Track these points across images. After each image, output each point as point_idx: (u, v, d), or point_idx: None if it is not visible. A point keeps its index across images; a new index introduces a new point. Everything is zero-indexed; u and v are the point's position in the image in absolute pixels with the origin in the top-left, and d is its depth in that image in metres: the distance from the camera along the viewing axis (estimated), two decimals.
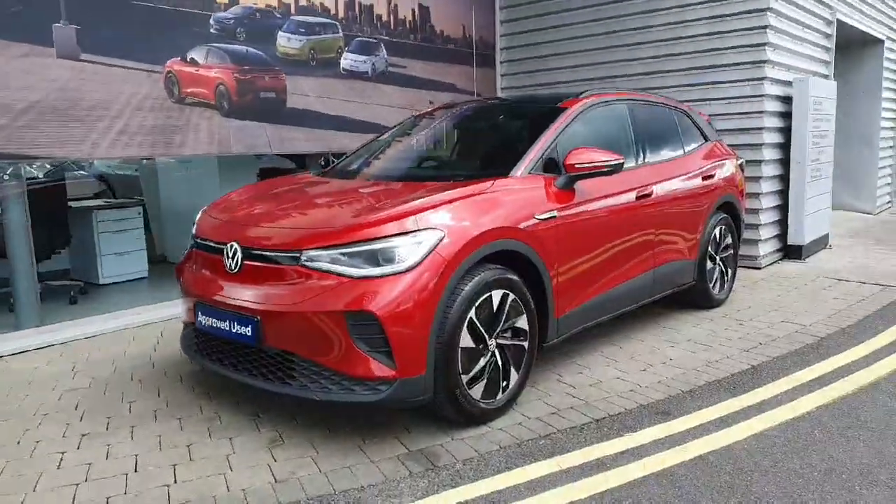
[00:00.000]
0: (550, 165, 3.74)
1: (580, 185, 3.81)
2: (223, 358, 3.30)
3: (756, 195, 6.57)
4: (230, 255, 3.20)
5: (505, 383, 3.33)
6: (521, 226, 3.33)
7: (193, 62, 5.47)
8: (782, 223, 7.08)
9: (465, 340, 3.08)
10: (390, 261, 2.90)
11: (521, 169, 3.60)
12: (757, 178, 6.54)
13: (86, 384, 3.92)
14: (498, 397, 3.30)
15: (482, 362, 3.18)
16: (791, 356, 4.15)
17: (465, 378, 3.10)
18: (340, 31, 6.52)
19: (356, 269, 2.89)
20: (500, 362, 3.28)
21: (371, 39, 6.78)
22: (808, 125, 6.77)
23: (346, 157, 4.60)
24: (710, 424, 3.23)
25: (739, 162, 5.67)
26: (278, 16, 6.02)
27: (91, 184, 8.81)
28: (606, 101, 4.40)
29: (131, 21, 5.09)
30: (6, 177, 4.69)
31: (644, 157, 4.50)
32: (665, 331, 4.72)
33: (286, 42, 6.08)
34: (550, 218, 3.52)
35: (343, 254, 2.91)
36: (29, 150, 4.65)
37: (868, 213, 10.29)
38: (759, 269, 6.63)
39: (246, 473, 2.83)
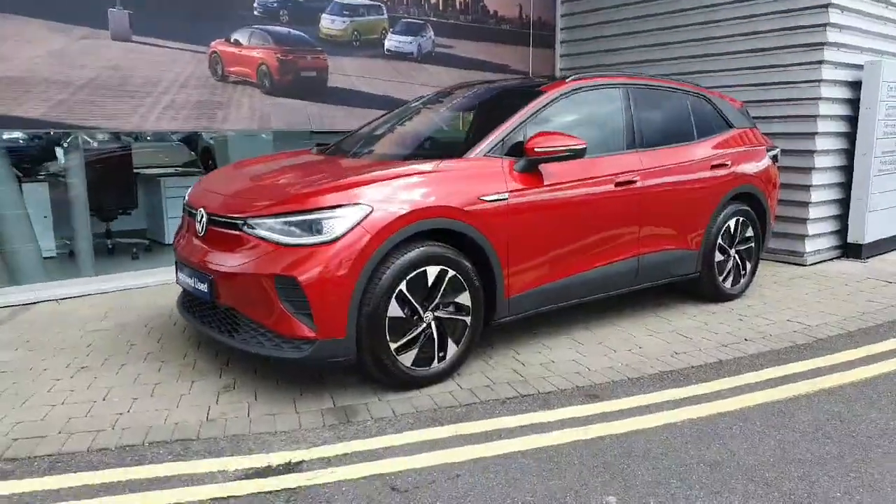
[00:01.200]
0: (517, 149, 3.86)
1: (549, 169, 3.92)
2: (194, 311, 3.77)
3: (805, 188, 6.24)
4: (199, 219, 3.64)
5: (441, 354, 3.55)
6: (463, 206, 3.51)
7: (237, 43, 5.99)
8: (842, 219, 6.66)
9: (394, 310, 3.33)
10: (318, 232, 3.20)
11: (476, 151, 3.76)
12: (807, 170, 6.21)
13: (108, 327, 4.54)
14: (432, 366, 3.53)
15: (414, 332, 3.42)
16: (768, 355, 4.05)
17: (393, 345, 3.35)
18: (385, 12, 6.83)
19: (287, 238, 3.22)
20: (435, 334, 3.50)
21: (417, 21, 7.04)
22: (876, 113, 6.31)
23: (347, 136, 4.92)
24: (631, 411, 3.30)
25: (774, 152, 5.44)
26: None
27: (182, 153, 9.73)
28: (596, 86, 4.42)
29: (179, 5, 5.66)
30: (66, 145, 5.42)
31: (638, 144, 4.48)
32: (655, 320, 4.71)
33: (329, 24, 6.47)
34: (500, 200, 3.66)
35: (277, 223, 3.25)
36: (84, 121, 5.35)
37: None
38: (804, 265, 6.32)
39: (187, 411, 3.27)
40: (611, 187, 4.21)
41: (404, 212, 3.31)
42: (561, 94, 4.20)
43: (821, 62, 6.03)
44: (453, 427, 3.10)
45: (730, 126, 5.20)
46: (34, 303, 5.06)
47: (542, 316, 4.28)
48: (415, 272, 3.37)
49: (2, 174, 5.35)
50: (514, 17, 7.80)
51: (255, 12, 6.07)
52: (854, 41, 6.33)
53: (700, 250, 4.86)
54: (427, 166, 3.60)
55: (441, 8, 7.21)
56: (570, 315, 4.70)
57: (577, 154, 3.84)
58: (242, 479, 2.67)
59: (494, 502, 2.52)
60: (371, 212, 3.24)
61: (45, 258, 5.93)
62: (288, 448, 2.91)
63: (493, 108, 4.33)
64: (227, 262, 3.38)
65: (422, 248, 3.39)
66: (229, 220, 3.42)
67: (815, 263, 6.42)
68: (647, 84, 4.76)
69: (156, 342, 4.25)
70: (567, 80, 4.34)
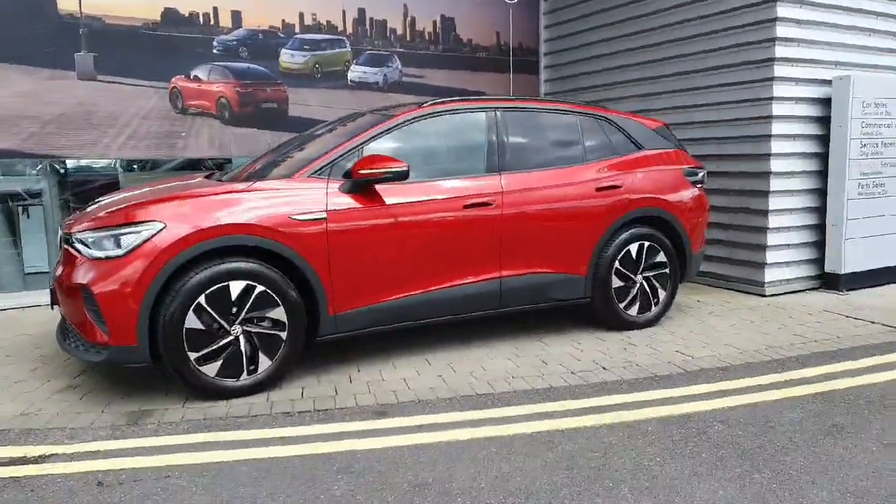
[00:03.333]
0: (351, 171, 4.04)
1: (389, 191, 4.07)
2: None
3: (761, 213, 5.90)
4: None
5: (252, 367, 3.77)
6: (268, 224, 3.74)
7: (196, 78, 6.58)
8: (822, 246, 6.22)
9: (193, 322, 3.60)
10: (117, 246, 3.55)
11: (301, 173, 4.00)
12: (762, 193, 5.88)
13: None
14: (241, 378, 3.76)
15: (218, 344, 3.67)
16: (610, 385, 3.93)
17: (193, 355, 3.62)
18: (348, 45, 7.21)
19: (94, 251, 3.59)
20: (243, 347, 3.73)
21: (383, 52, 7.37)
22: (847, 132, 5.89)
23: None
24: (400, 429, 3.36)
25: (697, 174, 5.24)
26: (282, 35, 6.90)
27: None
28: (455, 110, 4.52)
29: (141, 47, 6.33)
30: (35, 172, 6.19)
31: (502, 167, 4.51)
32: (533, 345, 4.67)
33: (289, 58, 6.94)
34: (317, 219, 3.86)
35: (89, 238, 3.62)
36: (53, 151, 6.09)
37: None
38: (762, 296, 5.94)
39: (10, 404, 3.69)
40: (458, 208, 4.28)
41: (196, 229, 3.59)
42: (411, 119, 4.35)
43: (771, 79, 5.73)
44: (213, 434, 3.31)
45: (638, 147, 5.08)
46: None
47: (416, 336, 4.50)
48: (215, 286, 3.63)
49: None
50: (491, 44, 7.95)
51: (215, 50, 6.64)
52: (823, 55, 5.97)
53: (588, 275, 4.77)
54: (240, 186, 3.88)
55: (409, 39, 7.50)
56: (446, 336, 4.77)
57: (399, 176, 3.97)
58: None
59: (174, 500, 2.70)
60: (163, 229, 3.55)
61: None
62: (57, 442, 3.24)
63: (342, 132, 4.51)
64: (61, 273, 3.80)
65: (223, 264, 3.65)
66: (66, 237, 3.85)
67: (782, 294, 6.02)
68: (523, 107, 4.79)
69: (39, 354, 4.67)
70: (424, 105, 4.49)
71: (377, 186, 4.07)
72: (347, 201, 3.98)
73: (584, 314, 5.08)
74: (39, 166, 6.23)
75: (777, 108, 5.77)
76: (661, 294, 5.09)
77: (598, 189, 4.76)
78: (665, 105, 6.64)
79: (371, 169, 3.93)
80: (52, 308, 4.03)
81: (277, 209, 3.80)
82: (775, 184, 5.87)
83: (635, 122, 5.21)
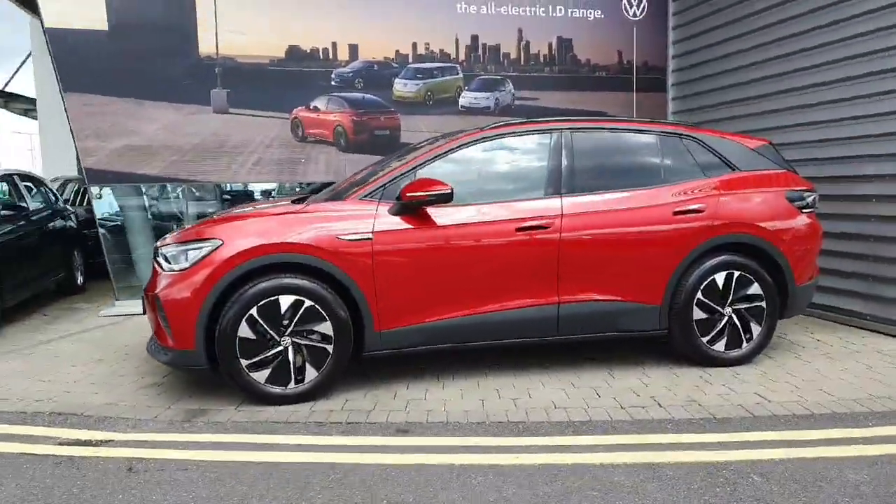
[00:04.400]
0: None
1: (439, 213, 4.21)
2: None
3: (864, 238, 5.21)
4: None
5: (300, 377, 4.05)
6: (316, 244, 4.01)
7: (315, 109, 7.16)
8: None
9: (245, 332, 3.96)
10: (184, 261, 4.01)
11: (355, 195, 4.24)
12: (866, 218, 5.20)
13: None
14: (290, 387, 4.04)
15: (267, 354, 3.99)
16: (655, 423, 3.70)
17: (245, 362, 3.97)
18: (460, 72, 7.45)
19: (168, 264, 4.08)
20: (291, 358, 4.03)
21: (494, 76, 7.52)
22: None
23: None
24: (413, 448, 3.42)
25: (806, 198, 4.77)
26: (395, 65, 7.31)
27: None
28: (514, 133, 4.54)
29: (267, 82, 7.03)
30: (178, 194, 7.09)
31: (566, 188, 4.43)
32: (592, 376, 4.50)
33: (402, 87, 7.33)
34: (363, 240, 4.07)
35: (166, 252, 4.13)
36: (191, 176, 6.95)
37: None
38: (881, 332, 5.23)
39: (103, 395, 4.27)
40: (510, 231, 4.27)
41: (249, 247, 3.94)
42: (468, 142, 4.44)
43: None
44: (246, 436, 3.60)
45: (732, 168, 4.74)
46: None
47: (477, 359, 4.69)
48: (266, 300, 3.96)
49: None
50: (611, 63, 7.79)
51: (333, 82, 7.19)
52: None
53: (663, 305, 4.51)
54: (297, 207, 4.20)
55: (523, 62, 7.58)
56: (508, 361, 4.76)
57: (443, 198, 4.07)
58: (61, 444, 3.53)
59: (181, 490, 3.00)
60: (220, 245, 3.95)
61: None
62: (120, 430, 3.71)
63: (409, 156, 4.67)
64: (147, 284, 4.36)
65: (274, 279, 3.97)
66: (155, 251, 4.40)
67: None
68: (593, 127, 4.67)
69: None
70: (485, 128, 4.56)
71: (429, 209, 4.19)
72: (395, 222, 4.15)
73: (666, 350, 4.80)
74: (180, 189, 7.11)
75: None
76: (756, 329, 4.65)
77: (676, 213, 4.50)
78: (800, 121, 6.07)
79: (416, 192, 4.07)
80: (144, 314, 4.59)
81: (326, 230, 4.06)
82: None
83: (731, 141, 4.86)
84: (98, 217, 7.19)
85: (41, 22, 6.50)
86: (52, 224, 7.53)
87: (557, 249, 4.33)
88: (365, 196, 4.24)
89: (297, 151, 7.14)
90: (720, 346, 4.62)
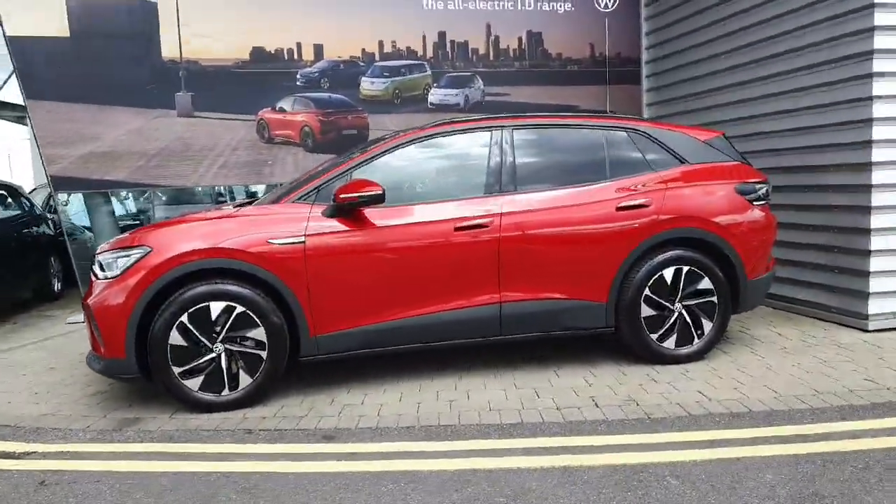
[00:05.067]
0: None
1: (375, 214, 4.18)
2: None
3: (863, 231, 5.09)
4: None
5: (233, 384, 4.04)
6: (245, 248, 3.99)
7: (281, 110, 7.16)
8: None
9: (176, 339, 3.95)
10: (113, 269, 4.01)
11: (289, 197, 4.23)
12: (863, 209, 5.08)
13: None
14: (223, 394, 4.04)
15: (200, 361, 3.99)
16: (585, 424, 3.65)
17: (177, 370, 3.97)
18: (428, 69, 7.41)
19: (101, 272, 4.09)
20: (224, 365, 4.02)
21: (464, 73, 7.46)
22: None
23: None
24: (332, 455, 3.40)
25: (757, 190, 4.69)
26: (362, 64, 7.28)
27: None
28: (454, 131, 4.49)
29: (231, 85, 7.04)
30: (142, 199, 7.12)
31: (506, 187, 4.38)
32: (536, 376, 4.44)
33: (369, 86, 7.30)
34: (294, 243, 4.05)
35: (100, 261, 4.13)
36: (156, 181, 6.97)
37: None
38: (864, 330, 5.11)
39: (42, 405, 4.28)
40: (448, 231, 4.23)
41: (177, 253, 3.94)
42: (406, 142, 4.40)
43: (870, 75, 4.95)
44: (169, 445, 3.60)
45: (681, 161, 4.66)
46: None
47: (426, 361, 4.65)
48: (196, 306, 3.95)
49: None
50: (583, 56, 7.71)
51: (298, 83, 7.18)
52: None
53: (608, 302, 4.45)
54: (229, 212, 4.19)
55: (492, 57, 7.52)
56: (457, 362, 4.73)
57: (375, 199, 4.04)
58: None
59: (109, 501, 3.00)
60: (149, 252, 3.95)
61: None
62: (46, 441, 3.72)
63: (350, 154, 4.64)
64: (86, 292, 4.37)
65: (204, 285, 3.97)
66: (92, 260, 4.42)
67: (891, 329, 5.12)
68: (536, 124, 4.61)
69: None
70: (426, 127, 4.52)
71: (365, 211, 4.17)
72: (329, 225, 4.12)
73: (619, 348, 4.74)
74: (146, 194, 7.14)
75: (878, 110, 4.95)
76: (707, 325, 4.58)
77: (619, 209, 4.43)
78: (771, 110, 5.95)
79: (348, 193, 4.05)
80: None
81: (257, 234, 4.05)
82: (878, 198, 5.02)
83: (680, 134, 4.79)
84: (65, 222, 7.24)
85: (2, 31, 6.54)
86: (26, 231, 7.59)
87: (497, 249, 4.28)
88: (299, 198, 4.22)
89: (264, 153, 7.13)
90: (670, 342, 4.55)
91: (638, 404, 3.88)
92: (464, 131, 4.53)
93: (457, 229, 4.24)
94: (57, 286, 8.18)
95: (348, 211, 4.14)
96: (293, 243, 4.05)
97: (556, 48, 7.63)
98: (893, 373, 4.21)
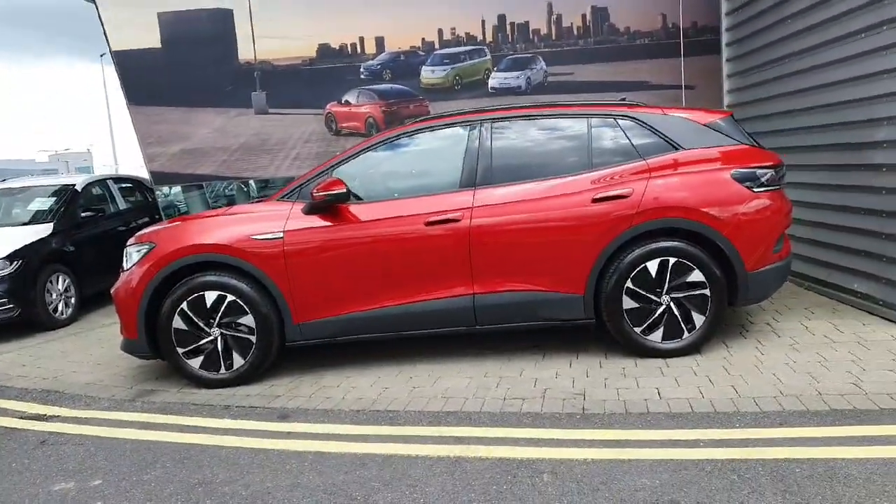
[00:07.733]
0: None
1: (352, 210, 4.61)
2: None
3: (876, 214, 4.65)
4: None
5: (228, 362, 4.70)
6: (231, 243, 4.58)
7: (347, 103, 7.76)
8: None
9: (178, 324, 4.67)
10: (129, 262, 4.80)
11: (275, 196, 4.77)
12: (876, 191, 4.62)
13: None
14: (220, 372, 4.70)
15: (200, 342, 4.68)
16: (533, 416, 3.80)
17: (181, 350, 4.70)
18: (488, 54, 7.60)
19: (125, 264, 4.91)
20: (220, 346, 4.68)
21: (524, 55, 7.57)
22: None
23: None
24: (275, 433, 3.89)
25: (766, 176, 4.47)
26: (422, 53, 7.65)
27: None
28: (431, 127, 4.75)
29: (301, 82, 7.75)
30: (230, 190, 8.09)
31: (480, 181, 4.57)
32: (512, 366, 4.62)
33: (430, 74, 7.67)
34: (274, 239, 4.58)
35: (127, 253, 4.95)
36: (238, 173, 7.90)
37: None
38: (892, 321, 4.68)
39: (90, 375, 5.23)
40: (419, 224, 4.53)
41: (173, 248, 4.62)
42: (382, 141, 4.75)
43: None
44: (156, 416, 4.30)
45: (675, 148, 4.57)
46: None
47: (418, 346, 5.01)
48: (194, 295, 4.63)
49: None
50: (654, 28, 7.46)
51: (362, 76, 7.72)
52: None
53: (586, 294, 4.52)
54: (221, 210, 4.82)
55: (555, 37, 7.54)
56: (447, 348, 5.02)
57: (340, 198, 4.46)
58: (21, 418, 4.47)
59: (63, 460, 3.76)
60: (154, 247, 4.68)
61: None
62: (73, 407, 4.59)
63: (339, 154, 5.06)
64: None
65: (200, 277, 4.64)
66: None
67: None
68: (514, 116, 4.72)
69: None
70: (406, 124, 4.83)
71: (342, 207, 4.59)
72: (306, 221, 4.59)
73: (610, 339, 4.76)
74: (231, 185, 8.10)
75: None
76: (701, 318, 4.47)
77: (595, 200, 4.45)
78: (843, 77, 5.44)
79: (320, 192, 4.49)
80: None
81: (242, 230, 4.63)
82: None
83: (677, 117, 4.65)
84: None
85: (108, 46, 7.73)
86: (147, 219, 8.91)
87: (468, 242, 4.50)
88: (283, 197, 4.74)
89: (333, 145, 7.78)
90: (656, 336, 4.51)
91: (584, 399, 3.96)
92: (441, 127, 4.78)
93: (428, 224, 4.52)
94: None
95: (324, 208, 4.59)
96: (273, 239, 4.58)
97: (623, 22, 7.46)
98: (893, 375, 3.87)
